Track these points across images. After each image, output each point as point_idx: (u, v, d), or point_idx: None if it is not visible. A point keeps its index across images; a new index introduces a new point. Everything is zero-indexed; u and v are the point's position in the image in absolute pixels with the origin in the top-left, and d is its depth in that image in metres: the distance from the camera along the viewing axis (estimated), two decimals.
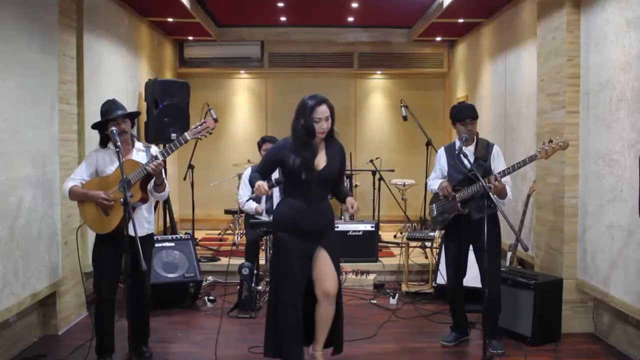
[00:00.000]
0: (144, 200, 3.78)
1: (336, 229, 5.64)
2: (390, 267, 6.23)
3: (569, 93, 4.44)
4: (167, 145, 3.73)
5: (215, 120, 7.10)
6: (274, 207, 5.59)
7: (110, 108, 3.75)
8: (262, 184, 3.43)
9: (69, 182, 3.75)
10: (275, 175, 3.84)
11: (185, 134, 3.68)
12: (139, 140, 3.99)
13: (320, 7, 7.48)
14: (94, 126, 3.85)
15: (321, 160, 3.59)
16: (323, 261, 3.57)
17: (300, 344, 3.57)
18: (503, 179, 3.91)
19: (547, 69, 4.74)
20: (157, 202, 5.12)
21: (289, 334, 3.51)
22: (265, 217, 5.58)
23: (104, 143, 3.83)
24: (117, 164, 3.61)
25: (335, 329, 3.66)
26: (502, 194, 3.94)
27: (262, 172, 3.66)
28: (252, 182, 3.65)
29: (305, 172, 3.51)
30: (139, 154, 3.85)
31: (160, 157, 3.64)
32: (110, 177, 3.70)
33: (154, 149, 3.92)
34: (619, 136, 3.92)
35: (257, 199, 5.69)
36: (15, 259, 3.83)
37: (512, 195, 4.08)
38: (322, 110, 3.48)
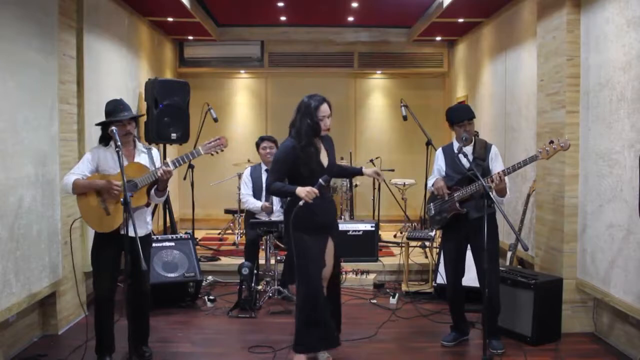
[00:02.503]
0: (148, 204, 3.80)
1: (338, 225, 5.46)
2: (390, 266, 6.23)
3: (569, 93, 4.44)
4: (179, 156, 3.74)
5: (215, 120, 7.17)
6: (274, 206, 5.65)
7: (116, 108, 3.75)
8: (311, 190, 3.57)
9: (70, 176, 3.71)
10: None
11: (199, 147, 3.76)
12: (139, 141, 3.99)
13: (320, 7, 7.48)
14: (98, 124, 3.84)
15: (324, 157, 3.81)
16: (328, 251, 3.84)
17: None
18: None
19: (547, 69, 4.74)
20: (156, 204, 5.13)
21: (326, 325, 3.75)
22: (265, 217, 5.58)
23: (105, 141, 3.81)
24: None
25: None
26: (503, 192, 3.95)
27: (280, 176, 3.77)
28: (275, 193, 3.91)
29: (318, 168, 3.72)
30: (142, 155, 3.85)
31: (171, 166, 3.66)
32: (114, 177, 3.67)
33: (155, 152, 3.92)
34: (619, 136, 3.92)
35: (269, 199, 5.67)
36: (15, 259, 3.82)
37: (509, 193, 4.08)
38: (325, 109, 3.72)
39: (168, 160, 3.76)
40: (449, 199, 4.10)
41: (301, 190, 3.58)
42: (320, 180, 3.59)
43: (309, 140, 3.71)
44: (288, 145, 3.75)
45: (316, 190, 3.57)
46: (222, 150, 3.83)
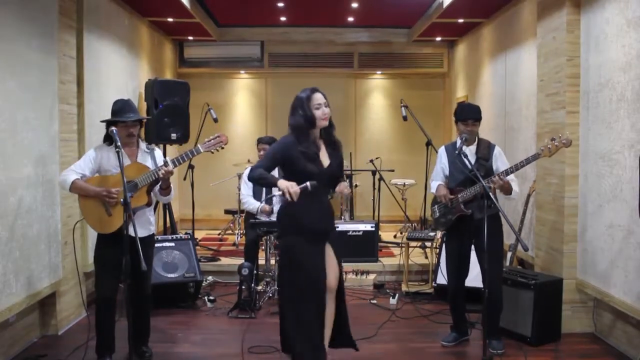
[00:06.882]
0: (149, 204, 3.79)
1: (336, 229, 5.52)
2: (390, 267, 6.23)
3: (569, 93, 4.44)
4: (178, 155, 3.73)
5: (215, 120, 7.16)
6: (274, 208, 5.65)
7: (122, 109, 3.74)
8: (294, 188, 3.27)
9: (70, 175, 3.67)
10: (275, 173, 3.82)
11: (199, 146, 3.73)
12: (142, 140, 3.98)
13: (320, 7, 7.48)
14: (103, 121, 3.83)
15: (324, 158, 3.58)
16: (328, 258, 3.58)
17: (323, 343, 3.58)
18: (507, 177, 3.91)
19: (547, 69, 4.74)
20: (157, 203, 5.13)
21: (313, 335, 3.49)
22: (265, 217, 5.58)
23: (110, 140, 3.77)
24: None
25: (339, 327, 3.67)
26: (509, 191, 3.95)
27: (268, 167, 3.54)
28: (256, 180, 3.54)
29: (315, 169, 3.47)
30: (145, 155, 3.85)
31: (171, 165, 3.65)
32: (115, 178, 3.67)
33: (158, 152, 3.93)
34: (619, 136, 3.92)
35: (269, 200, 5.63)
36: (15, 259, 3.82)
37: (518, 189, 4.06)
38: (317, 97, 3.48)
39: (168, 159, 3.77)
40: (454, 201, 4.10)
41: (283, 183, 3.31)
42: (307, 183, 3.31)
43: (307, 134, 3.48)
44: (287, 141, 3.53)
45: (298, 190, 3.26)
46: (222, 148, 3.79)
